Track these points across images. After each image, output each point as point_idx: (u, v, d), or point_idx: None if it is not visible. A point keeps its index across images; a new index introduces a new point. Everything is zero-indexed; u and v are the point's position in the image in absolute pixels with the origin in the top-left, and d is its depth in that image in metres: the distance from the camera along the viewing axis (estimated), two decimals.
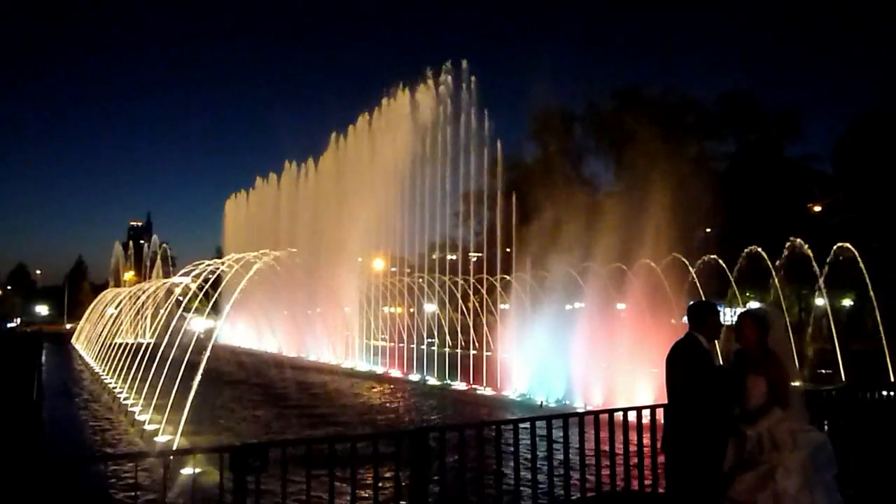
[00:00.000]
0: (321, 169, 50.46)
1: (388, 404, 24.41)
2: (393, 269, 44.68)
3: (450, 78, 36.87)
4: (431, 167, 38.06)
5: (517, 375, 24.92)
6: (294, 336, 46.37)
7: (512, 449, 6.70)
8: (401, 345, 35.10)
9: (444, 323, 36.83)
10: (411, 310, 38.74)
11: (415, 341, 34.67)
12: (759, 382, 5.35)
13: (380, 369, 34.17)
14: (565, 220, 29.20)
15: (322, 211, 48.42)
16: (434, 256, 40.34)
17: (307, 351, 42.89)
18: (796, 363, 5.74)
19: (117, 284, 73.22)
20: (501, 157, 35.64)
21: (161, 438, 15.81)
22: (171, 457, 6.06)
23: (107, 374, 28.89)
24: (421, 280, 37.55)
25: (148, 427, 17.13)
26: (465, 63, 36.61)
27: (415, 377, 30.61)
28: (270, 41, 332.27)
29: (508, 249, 34.43)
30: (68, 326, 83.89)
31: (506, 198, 34.52)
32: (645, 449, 7.46)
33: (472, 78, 36.19)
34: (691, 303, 6.02)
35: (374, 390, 27.84)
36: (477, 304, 35.35)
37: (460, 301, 36.34)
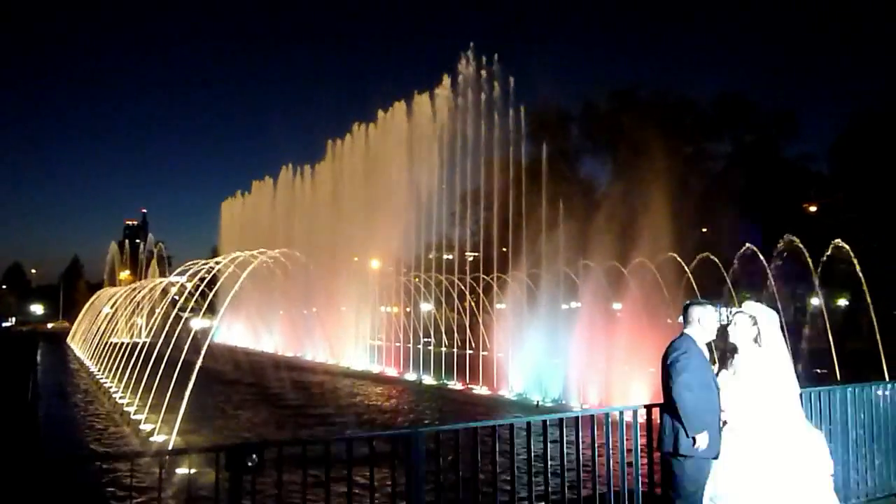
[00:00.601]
0: (318, 173, 50.50)
1: (384, 404, 24.40)
2: (389, 269, 44.66)
3: (467, 73, 36.32)
4: (429, 167, 38.02)
5: (513, 375, 24.94)
6: (290, 336, 46.34)
7: (507, 449, 6.69)
8: (397, 344, 35.09)
9: (440, 322, 36.83)
10: (407, 309, 38.73)
11: (411, 341, 34.67)
12: (753, 382, 5.37)
13: (376, 369, 34.16)
14: (561, 219, 29.25)
15: (318, 212, 48.45)
16: (430, 256, 40.32)
17: (303, 351, 42.86)
18: (791, 362, 5.76)
19: (113, 284, 73.11)
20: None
21: (157, 438, 15.80)
22: (167, 456, 6.07)
23: (102, 374, 28.84)
24: (417, 279, 37.54)
25: (144, 427, 17.12)
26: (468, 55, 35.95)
27: (411, 377, 30.62)
28: (267, 41, 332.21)
29: (505, 249, 34.44)
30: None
31: (502, 196, 34.49)
32: (641, 448, 7.47)
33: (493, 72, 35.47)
34: (686, 302, 6.03)
35: (371, 390, 27.81)
36: (473, 304, 35.35)
37: (456, 300, 36.34)
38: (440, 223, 39.39)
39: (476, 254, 40.93)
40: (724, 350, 5.78)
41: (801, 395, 6.41)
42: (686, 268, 23.27)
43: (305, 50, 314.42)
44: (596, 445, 7.16)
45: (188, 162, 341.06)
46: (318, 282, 40.73)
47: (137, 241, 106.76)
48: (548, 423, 6.84)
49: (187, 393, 15.20)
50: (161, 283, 35.23)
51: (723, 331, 5.80)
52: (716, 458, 5.36)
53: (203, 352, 16.76)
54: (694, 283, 23.01)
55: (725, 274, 24.02)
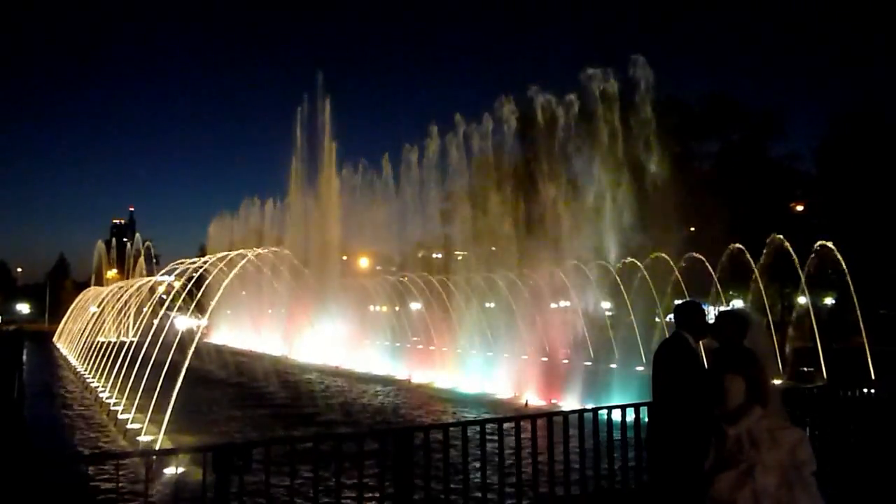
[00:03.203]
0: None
1: (372, 403, 24.34)
2: (378, 268, 44.66)
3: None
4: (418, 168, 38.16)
5: (502, 374, 24.96)
6: (278, 335, 46.19)
7: (496, 447, 6.71)
8: (386, 343, 35.05)
9: (428, 321, 36.81)
10: (396, 308, 38.67)
11: (400, 339, 34.63)
12: (738, 382, 5.39)
13: (365, 368, 34.08)
14: (549, 218, 29.33)
15: (310, 214, 48.67)
16: (419, 255, 40.32)
17: (292, 350, 42.72)
18: (779, 361, 5.82)
19: (100, 283, 72.54)
20: None
21: (144, 438, 15.70)
22: (154, 456, 6.04)
23: (89, 374, 28.63)
24: (406, 278, 37.51)
25: (131, 426, 17.01)
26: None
27: (400, 375, 30.58)
28: (260, 39, 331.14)
29: (494, 248, 34.47)
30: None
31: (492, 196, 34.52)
32: (629, 447, 7.51)
33: None
34: (679, 302, 6.07)
35: (360, 389, 27.75)
36: (462, 303, 35.33)
37: (446, 299, 36.33)
38: (430, 223, 39.45)
39: (465, 252, 40.93)
40: (714, 349, 5.81)
41: (785, 393, 6.47)
42: (674, 266, 23.39)
43: (299, 55, 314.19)
44: (584, 444, 7.20)
45: (177, 160, 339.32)
46: (307, 281, 40.67)
47: (125, 239, 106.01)
48: (536, 422, 6.87)
49: (175, 392, 15.12)
50: (148, 282, 35.03)
51: (713, 330, 5.83)
52: (707, 456, 5.38)
53: (191, 351, 16.68)
54: (682, 282, 23.13)
55: (713, 273, 24.16)
